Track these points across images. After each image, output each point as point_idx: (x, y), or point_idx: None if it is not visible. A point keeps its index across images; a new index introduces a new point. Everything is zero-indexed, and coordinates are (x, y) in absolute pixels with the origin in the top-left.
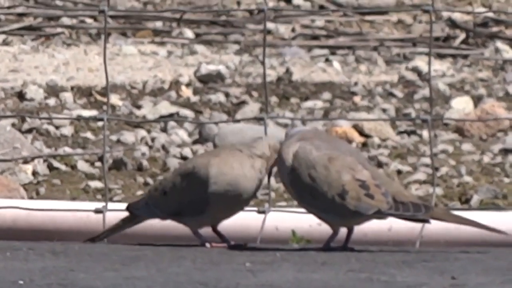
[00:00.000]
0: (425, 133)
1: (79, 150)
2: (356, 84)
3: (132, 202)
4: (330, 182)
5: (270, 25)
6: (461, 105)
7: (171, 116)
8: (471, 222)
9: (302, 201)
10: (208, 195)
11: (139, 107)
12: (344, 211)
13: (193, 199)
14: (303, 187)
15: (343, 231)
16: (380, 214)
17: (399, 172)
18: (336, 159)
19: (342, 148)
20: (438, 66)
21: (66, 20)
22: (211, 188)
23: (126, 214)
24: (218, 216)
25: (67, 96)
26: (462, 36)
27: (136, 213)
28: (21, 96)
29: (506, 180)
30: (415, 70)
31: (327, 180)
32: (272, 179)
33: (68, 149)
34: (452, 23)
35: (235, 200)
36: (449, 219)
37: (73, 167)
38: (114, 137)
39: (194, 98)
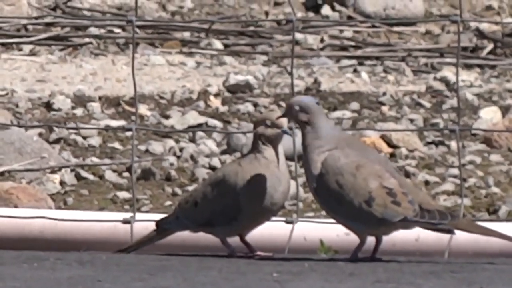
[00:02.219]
0: (453, 144)
1: (107, 160)
2: (384, 94)
3: (162, 218)
4: (357, 189)
5: (298, 36)
6: (489, 116)
7: (199, 126)
8: (495, 233)
9: (328, 208)
10: (239, 202)
11: (167, 117)
12: (370, 218)
13: (225, 207)
14: (329, 194)
15: (371, 241)
16: (406, 222)
17: (426, 182)
18: (364, 167)
19: (370, 156)
20: (466, 76)
21: (94, 30)
22: (243, 195)
23: (154, 224)
24: (249, 224)
25: (95, 106)
26: (490, 46)
27: (167, 227)
28: (48, 106)
29: None
30: (443, 80)
31: (354, 187)
32: (301, 189)
33: (95, 159)
34: (480, 34)
35: (266, 207)
36: (474, 230)
37: (101, 177)
38: (142, 147)
39: (223, 108)
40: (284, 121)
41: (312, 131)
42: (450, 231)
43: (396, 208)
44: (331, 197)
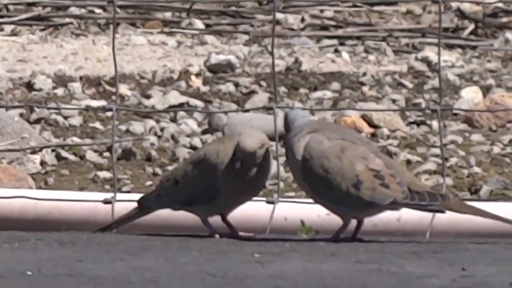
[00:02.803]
0: (434, 124)
1: (87, 140)
2: (365, 74)
3: (143, 195)
4: (343, 172)
5: (279, 16)
6: (470, 96)
7: (180, 106)
8: (486, 213)
9: (316, 194)
10: (219, 181)
11: (148, 97)
12: (359, 202)
13: (205, 186)
14: (316, 179)
15: (352, 222)
16: (395, 205)
17: (408, 162)
18: (348, 149)
19: (353, 137)
20: (447, 56)
21: (74, 10)
22: (222, 175)
23: (135, 204)
24: (229, 203)
25: (76, 86)
26: (471, 26)
27: (147, 205)
28: (29, 86)
29: None
30: (425, 60)
31: (340, 170)
32: (281, 169)
33: (76, 139)
34: (461, 14)
35: (246, 188)
36: (465, 210)
37: (82, 157)
38: (123, 127)
39: (204, 88)
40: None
41: (287, 125)
42: (440, 211)
43: (385, 191)
44: (317, 182)
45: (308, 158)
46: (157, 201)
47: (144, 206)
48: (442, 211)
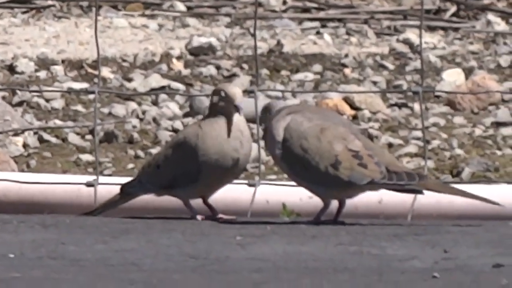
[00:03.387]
0: (416, 106)
1: (70, 123)
2: (346, 56)
3: (126, 182)
4: (322, 152)
5: None
6: (452, 78)
7: (162, 89)
8: (464, 193)
9: (294, 174)
10: (200, 163)
11: (130, 80)
12: (337, 182)
13: (185, 169)
14: (295, 159)
15: (334, 205)
16: (373, 184)
17: (390, 145)
18: (328, 130)
19: (333, 119)
20: (429, 38)
21: None
22: (202, 157)
23: (118, 187)
24: (210, 186)
25: (58, 69)
26: (453, 8)
27: (130, 191)
28: (11, 69)
29: (498, 153)
30: (406, 42)
31: (319, 151)
32: (262, 152)
33: (58, 122)
34: None
35: (227, 170)
36: (443, 190)
37: (64, 140)
38: (105, 110)
39: (185, 71)
40: (237, 95)
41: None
42: (418, 191)
43: (363, 171)
44: (296, 162)
45: (287, 139)
46: (140, 187)
47: (127, 192)
48: (420, 191)
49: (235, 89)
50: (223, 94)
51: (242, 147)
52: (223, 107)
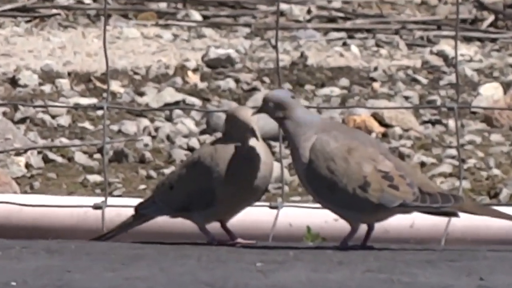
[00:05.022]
0: (451, 123)
1: (76, 141)
2: (376, 69)
3: (140, 202)
4: (350, 174)
5: (283, 6)
6: (489, 92)
7: (176, 104)
8: (503, 215)
9: (320, 197)
10: (214, 186)
11: (141, 94)
12: (366, 205)
13: (200, 191)
14: (320, 182)
15: (362, 228)
16: (405, 207)
17: (422, 164)
18: (356, 150)
19: (361, 138)
20: (465, 50)
21: (62, 1)
22: (217, 179)
23: (127, 210)
24: (227, 209)
25: (64, 82)
26: (491, 18)
27: (144, 212)
28: (13, 82)
29: None
30: (440, 54)
31: (346, 172)
32: (286, 172)
33: (64, 140)
34: (480, 4)
35: (245, 192)
36: (481, 212)
37: (70, 159)
38: (114, 127)
39: (202, 85)
40: (252, 121)
41: (292, 123)
42: (453, 214)
43: (394, 192)
44: (322, 185)
45: (313, 160)
46: (154, 208)
47: (141, 214)
48: (456, 214)
49: (248, 112)
50: (235, 120)
51: (261, 167)
52: (238, 134)
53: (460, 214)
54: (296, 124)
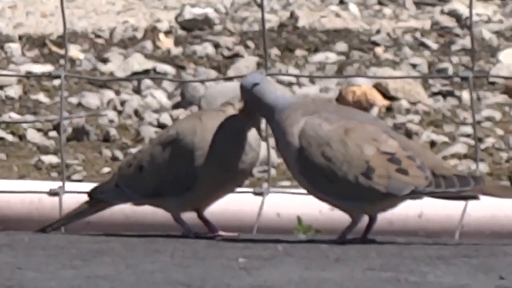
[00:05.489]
0: (465, 95)
1: (29, 117)
2: (378, 32)
3: (96, 186)
4: (350, 159)
5: None
6: (511, 59)
7: (146, 72)
8: None
9: (316, 189)
10: (196, 167)
11: (105, 61)
12: (371, 195)
13: (177, 173)
14: (316, 172)
15: (363, 219)
16: (417, 194)
17: (432, 143)
18: (354, 131)
19: (357, 116)
20: (482, 9)
21: None
22: (199, 159)
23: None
24: (207, 195)
25: (14, 47)
26: None
27: (102, 198)
28: None
29: None
30: (453, 14)
31: (346, 158)
32: (272, 152)
33: (15, 115)
34: None
35: (229, 174)
36: (504, 194)
37: (22, 137)
38: (73, 100)
39: (175, 50)
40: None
41: (268, 110)
42: (473, 197)
43: (403, 178)
44: (318, 175)
45: (305, 147)
46: (115, 193)
47: (98, 199)
48: (475, 197)
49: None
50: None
51: (249, 147)
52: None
53: (481, 197)
54: (273, 109)
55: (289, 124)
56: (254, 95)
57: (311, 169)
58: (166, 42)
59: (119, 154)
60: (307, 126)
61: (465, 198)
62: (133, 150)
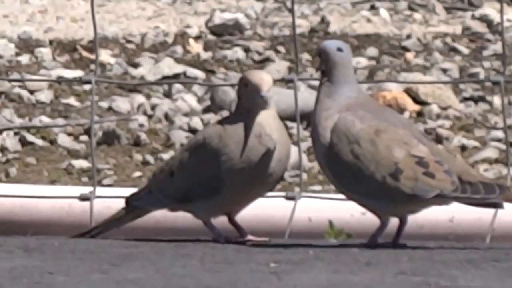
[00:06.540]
0: (496, 100)
1: (59, 121)
2: (409, 37)
3: (134, 192)
4: (378, 159)
5: None
6: None
7: (176, 77)
8: None
9: (342, 185)
10: (221, 172)
11: (136, 65)
12: (397, 196)
13: (205, 177)
14: (343, 168)
15: (393, 223)
16: (442, 198)
17: (463, 148)
18: (385, 132)
19: (391, 119)
20: None
21: None
22: (224, 164)
23: (118, 201)
24: (235, 200)
25: (45, 52)
26: None
27: (138, 204)
28: None
29: None
30: (484, 19)
31: (374, 157)
32: (304, 157)
33: (45, 119)
34: None
35: (256, 179)
36: None
37: (52, 141)
38: (104, 104)
39: (205, 55)
40: (264, 83)
41: (326, 86)
42: (498, 205)
43: (430, 181)
44: (345, 171)
45: (335, 143)
46: (149, 199)
47: (134, 206)
48: (500, 206)
49: (262, 76)
50: (246, 83)
51: (276, 151)
52: (248, 101)
53: (506, 205)
54: (328, 92)
55: (325, 117)
56: (331, 59)
57: (339, 165)
58: (196, 47)
59: (150, 158)
60: (340, 122)
61: (490, 205)
62: (164, 155)
